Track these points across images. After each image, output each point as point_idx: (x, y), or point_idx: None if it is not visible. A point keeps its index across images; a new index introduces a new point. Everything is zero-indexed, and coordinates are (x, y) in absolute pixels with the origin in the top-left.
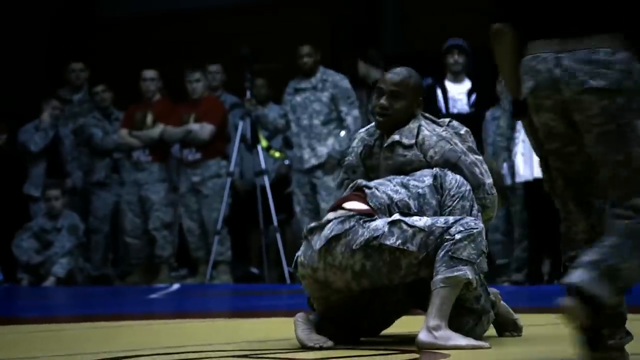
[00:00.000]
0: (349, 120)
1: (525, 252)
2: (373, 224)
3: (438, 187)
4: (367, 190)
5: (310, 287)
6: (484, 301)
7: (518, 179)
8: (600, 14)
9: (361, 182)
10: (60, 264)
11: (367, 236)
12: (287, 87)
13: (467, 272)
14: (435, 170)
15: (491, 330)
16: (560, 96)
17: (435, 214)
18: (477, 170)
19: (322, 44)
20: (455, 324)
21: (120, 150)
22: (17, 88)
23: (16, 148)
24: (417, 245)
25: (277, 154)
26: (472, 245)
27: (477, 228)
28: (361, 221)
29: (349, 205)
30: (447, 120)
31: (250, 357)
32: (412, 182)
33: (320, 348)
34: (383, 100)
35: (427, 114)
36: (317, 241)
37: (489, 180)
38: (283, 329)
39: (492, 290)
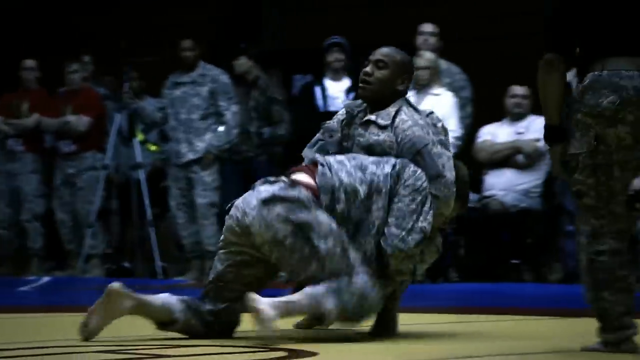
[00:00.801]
0: (228, 115)
1: None
2: (320, 217)
3: (395, 176)
4: (319, 168)
5: (229, 232)
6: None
7: None
8: None
9: (317, 157)
10: None
11: (307, 221)
12: (167, 81)
13: (327, 305)
14: (398, 160)
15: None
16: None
17: (384, 202)
18: (439, 162)
19: (203, 39)
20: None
21: None
22: None
23: None
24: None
25: (153, 148)
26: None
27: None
28: (313, 203)
29: (298, 176)
30: (428, 110)
31: (117, 352)
32: (370, 168)
33: None
34: (367, 68)
35: (410, 101)
36: (264, 192)
37: (449, 176)
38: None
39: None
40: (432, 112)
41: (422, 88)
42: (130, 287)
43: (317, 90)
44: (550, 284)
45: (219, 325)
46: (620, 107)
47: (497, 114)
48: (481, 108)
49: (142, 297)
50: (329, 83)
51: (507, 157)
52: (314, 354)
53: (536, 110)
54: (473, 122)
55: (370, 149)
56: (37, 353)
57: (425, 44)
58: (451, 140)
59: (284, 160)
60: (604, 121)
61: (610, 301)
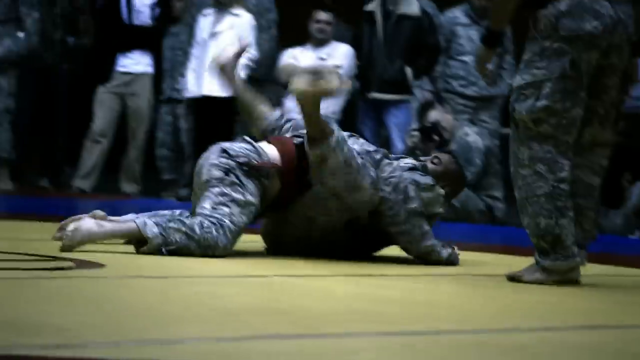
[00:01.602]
0: (29, 21)
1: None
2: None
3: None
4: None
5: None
6: None
7: (187, 95)
8: None
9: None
10: None
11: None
12: None
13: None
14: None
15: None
16: (611, 40)
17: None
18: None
19: None
20: None
21: None
22: None
23: None
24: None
25: None
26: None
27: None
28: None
29: (267, 149)
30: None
31: None
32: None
33: None
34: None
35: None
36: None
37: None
38: None
39: None
40: None
41: (224, 7)
42: None
43: (123, 2)
44: None
45: None
46: (600, 33)
47: (301, 38)
48: (286, 31)
49: None
50: None
51: None
52: (100, 265)
53: (338, 37)
54: (277, 45)
55: None
56: None
57: None
58: (245, 61)
59: (85, 70)
60: (580, 45)
61: (567, 229)
